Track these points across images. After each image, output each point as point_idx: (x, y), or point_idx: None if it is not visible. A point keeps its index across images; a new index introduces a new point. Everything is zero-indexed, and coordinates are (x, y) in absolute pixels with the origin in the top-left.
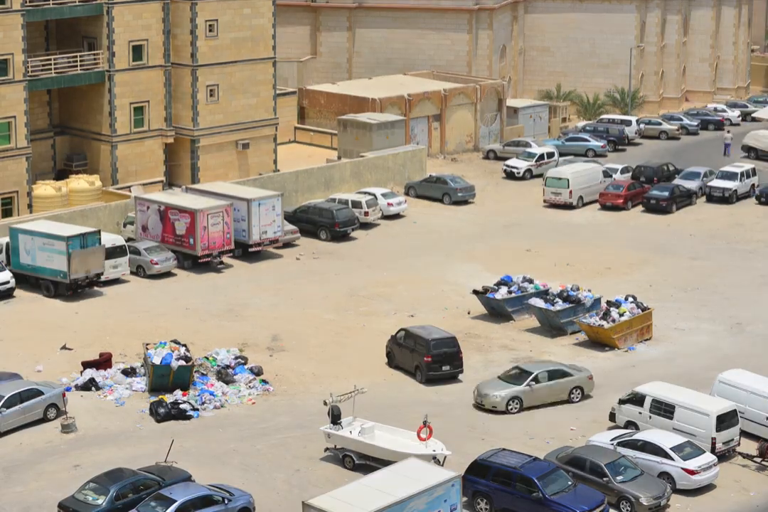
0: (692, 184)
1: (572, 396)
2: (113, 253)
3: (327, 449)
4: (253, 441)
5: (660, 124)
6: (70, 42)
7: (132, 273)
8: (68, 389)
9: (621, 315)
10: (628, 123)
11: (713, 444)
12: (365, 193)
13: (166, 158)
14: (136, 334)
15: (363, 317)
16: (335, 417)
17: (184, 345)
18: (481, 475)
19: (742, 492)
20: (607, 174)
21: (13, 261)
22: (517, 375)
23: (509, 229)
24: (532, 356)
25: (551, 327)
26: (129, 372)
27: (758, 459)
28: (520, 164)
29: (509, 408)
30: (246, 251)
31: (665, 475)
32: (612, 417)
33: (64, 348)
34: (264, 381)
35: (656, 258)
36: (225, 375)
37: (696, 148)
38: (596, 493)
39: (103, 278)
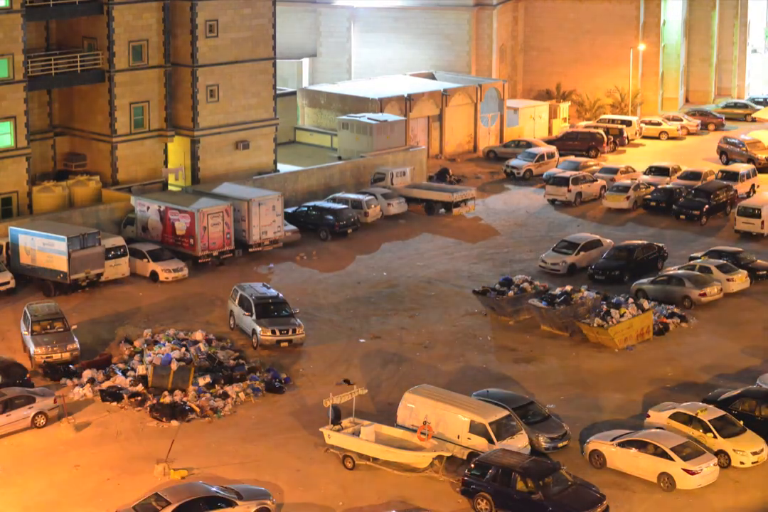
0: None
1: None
2: (113, 253)
3: (327, 449)
4: (254, 441)
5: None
6: (70, 42)
7: None
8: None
9: (621, 315)
10: (628, 123)
11: None
12: (365, 193)
13: (166, 158)
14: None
15: (363, 317)
16: (335, 418)
17: (185, 346)
18: (481, 475)
19: (741, 492)
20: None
21: (13, 261)
22: None
23: (510, 228)
24: (533, 356)
25: (551, 327)
26: (129, 373)
27: None
28: (521, 164)
29: None
30: (246, 251)
31: (665, 476)
32: None
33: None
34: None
35: None
36: (225, 376)
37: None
38: (596, 493)
39: (103, 278)
